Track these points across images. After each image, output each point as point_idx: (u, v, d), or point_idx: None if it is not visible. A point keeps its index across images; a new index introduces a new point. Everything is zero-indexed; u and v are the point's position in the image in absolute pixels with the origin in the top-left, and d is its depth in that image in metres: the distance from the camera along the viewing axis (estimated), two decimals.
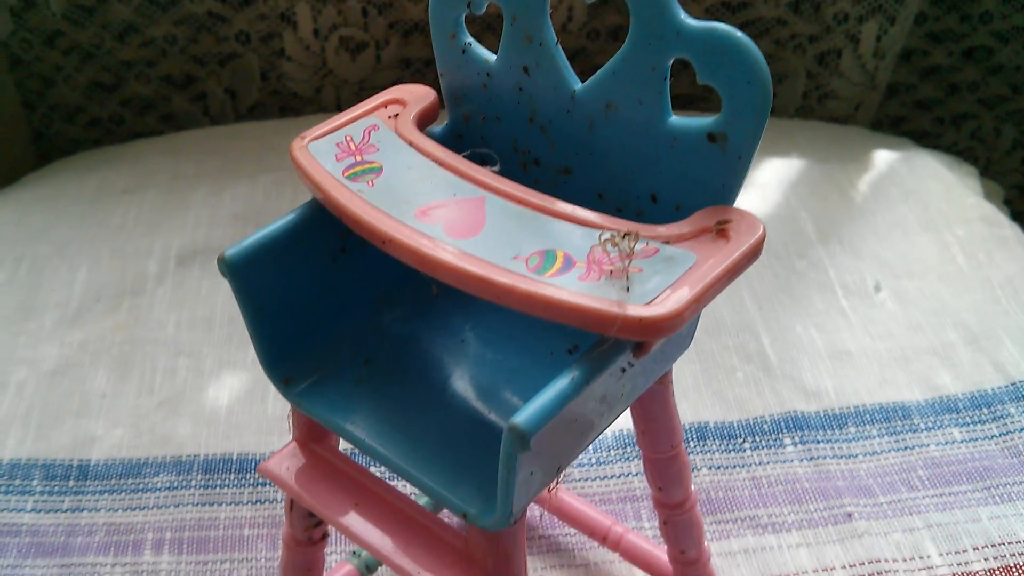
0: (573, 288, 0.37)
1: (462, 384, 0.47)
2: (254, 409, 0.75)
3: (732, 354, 0.78)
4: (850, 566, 0.64)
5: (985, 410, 0.74)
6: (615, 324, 0.36)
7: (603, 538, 0.64)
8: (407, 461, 0.43)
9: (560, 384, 0.36)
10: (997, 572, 0.64)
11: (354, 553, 0.62)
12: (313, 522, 0.52)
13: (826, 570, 0.64)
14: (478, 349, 0.49)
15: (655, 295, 0.37)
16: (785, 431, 0.73)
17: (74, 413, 0.74)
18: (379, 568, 0.63)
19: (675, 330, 0.37)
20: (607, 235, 0.39)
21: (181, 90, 1.10)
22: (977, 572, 0.64)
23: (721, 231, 0.40)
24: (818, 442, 0.72)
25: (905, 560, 0.64)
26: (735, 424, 0.74)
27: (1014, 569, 0.64)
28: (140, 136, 1.11)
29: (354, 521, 0.45)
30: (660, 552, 0.62)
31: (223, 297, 0.83)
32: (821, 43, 1.09)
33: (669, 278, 0.38)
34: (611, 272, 0.38)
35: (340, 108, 1.13)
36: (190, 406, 0.75)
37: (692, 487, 0.54)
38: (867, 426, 0.73)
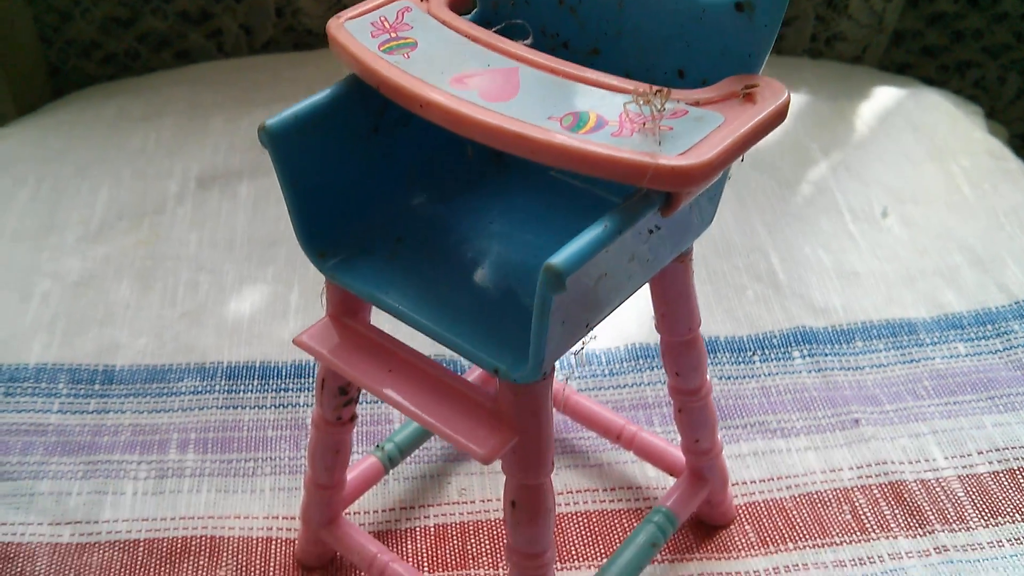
0: (606, 142, 0.39)
1: (491, 259, 0.49)
2: (275, 322, 0.77)
3: (742, 274, 0.80)
4: (857, 467, 0.66)
5: (989, 327, 0.76)
6: (647, 173, 0.37)
7: (617, 437, 0.66)
8: (440, 324, 0.45)
9: (594, 231, 0.38)
10: (1001, 475, 0.66)
11: (377, 447, 0.64)
12: (343, 401, 0.53)
13: (834, 471, 0.66)
14: (506, 229, 0.51)
15: (686, 148, 0.38)
16: (793, 344, 0.75)
17: (98, 322, 0.76)
18: (401, 461, 0.64)
19: (705, 180, 0.38)
20: (639, 91, 0.40)
21: (196, 26, 1.11)
22: (982, 474, 0.66)
23: (748, 95, 0.42)
24: (826, 355, 0.74)
25: (911, 462, 0.66)
26: (744, 338, 0.75)
27: (1018, 472, 0.66)
28: (155, 71, 1.12)
29: (387, 385, 0.47)
30: (673, 449, 0.63)
31: (243, 218, 0.84)
32: None
33: (699, 134, 0.39)
34: (643, 126, 0.39)
35: None
36: (212, 318, 0.77)
37: (708, 376, 0.56)
38: (874, 340, 0.75)
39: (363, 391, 0.56)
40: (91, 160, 0.90)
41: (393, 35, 0.47)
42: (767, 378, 0.73)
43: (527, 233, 0.50)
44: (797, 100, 0.99)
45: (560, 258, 0.37)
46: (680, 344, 0.54)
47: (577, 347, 0.45)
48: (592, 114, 0.41)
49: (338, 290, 0.50)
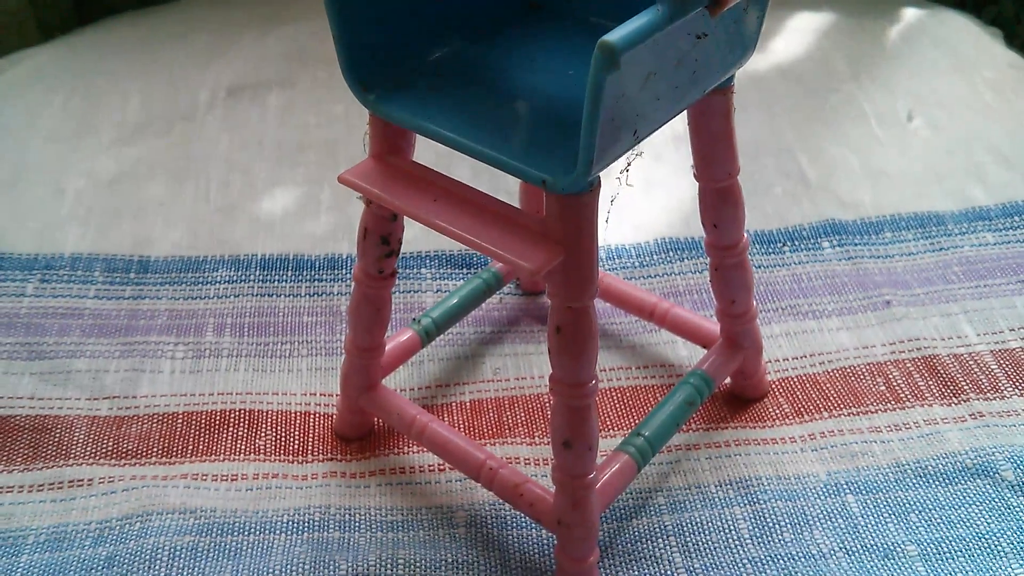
0: None
1: (533, 89, 0.49)
2: (307, 220, 0.77)
3: (771, 172, 0.80)
4: (890, 344, 0.67)
5: (1017, 218, 0.76)
6: None
7: (650, 314, 0.66)
8: (486, 144, 0.45)
9: (647, 14, 0.38)
10: None
11: (415, 320, 0.64)
12: (385, 251, 0.54)
13: (866, 347, 0.67)
14: (548, 64, 0.51)
15: None
16: (823, 236, 0.75)
17: (132, 216, 0.77)
18: (437, 336, 0.65)
19: None
20: None
21: None
22: (1014, 349, 0.66)
23: None
24: (855, 244, 0.74)
25: (944, 339, 0.67)
26: (774, 232, 0.76)
27: None
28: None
29: (434, 212, 0.47)
30: (706, 322, 0.64)
31: (273, 125, 0.85)
32: None
33: None
34: None
35: None
36: (245, 214, 0.77)
37: (746, 233, 0.57)
38: (902, 231, 0.75)
39: (398, 262, 0.57)
40: (122, 72, 0.91)
41: None
42: (797, 266, 0.73)
43: (568, 68, 0.51)
44: (821, 18, 1.00)
45: (616, 35, 0.37)
46: (718, 191, 0.54)
47: (623, 161, 0.46)
48: None
49: (381, 127, 0.50)
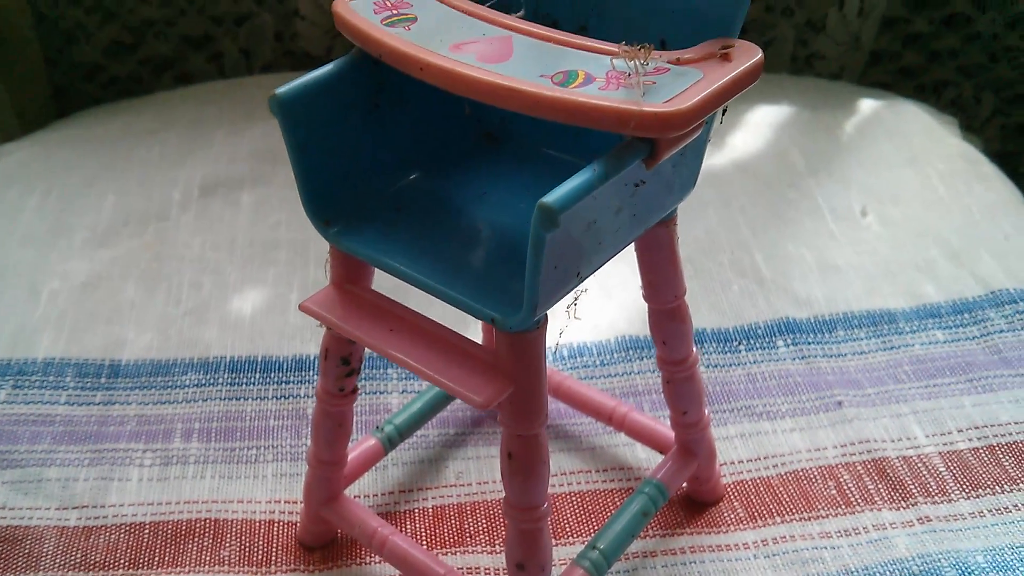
0: (594, 95, 0.42)
1: (486, 223, 0.52)
2: (276, 319, 0.79)
3: (727, 270, 0.83)
4: (841, 445, 0.68)
5: (966, 315, 0.78)
6: (632, 120, 0.40)
7: (608, 418, 0.68)
8: (439, 280, 0.47)
9: (584, 174, 0.41)
10: (981, 451, 0.68)
11: (377, 428, 0.66)
12: (345, 371, 0.56)
13: (818, 449, 0.68)
14: (500, 198, 0.53)
15: (668, 98, 0.41)
16: (778, 334, 0.77)
17: (105, 319, 0.78)
18: (400, 443, 0.66)
19: (685, 126, 0.41)
20: (624, 46, 0.43)
21: (198, 49, 1.14)
22: (962, 450, 0.68)
23: (724, 54, 0.45)
24: (809, 343, 0.77)
25: (893, 441, 0.69)
26: (730, 330, 0.78)
27: (997, 448, 0.68)
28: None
29: (389, 342, 0.49)
30: (662, 427, 0.66)
31: (244, 223, 0.87)
32: (808, 7, 1.14)
33: (680, 87, 0.42)
34: (629, 76, 0.42)
35: None
36: (216, 315, 0.79)
37: (694, 347, 0.59)
38: (855, 329, 0.78)
39: (364, 363, 0.58)
40: (97, 171, 0.93)
41: (394, 12, 0.50)
42: (752, 366, 0.75)
43: (520, 202, 0.53)
44: (779, 112, 1.03)
45: (553, 196, 0.39)
46: (666, 312, 0.56)
47: (570, 299, 0.48)
48: (580, 72, 0.44)
49: (341, 258, 0.52)
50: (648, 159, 0.43)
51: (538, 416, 0.48)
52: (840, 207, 0.89)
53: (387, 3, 0.51)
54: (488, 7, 0.50)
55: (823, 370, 0.74)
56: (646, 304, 0.57)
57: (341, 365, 0.55)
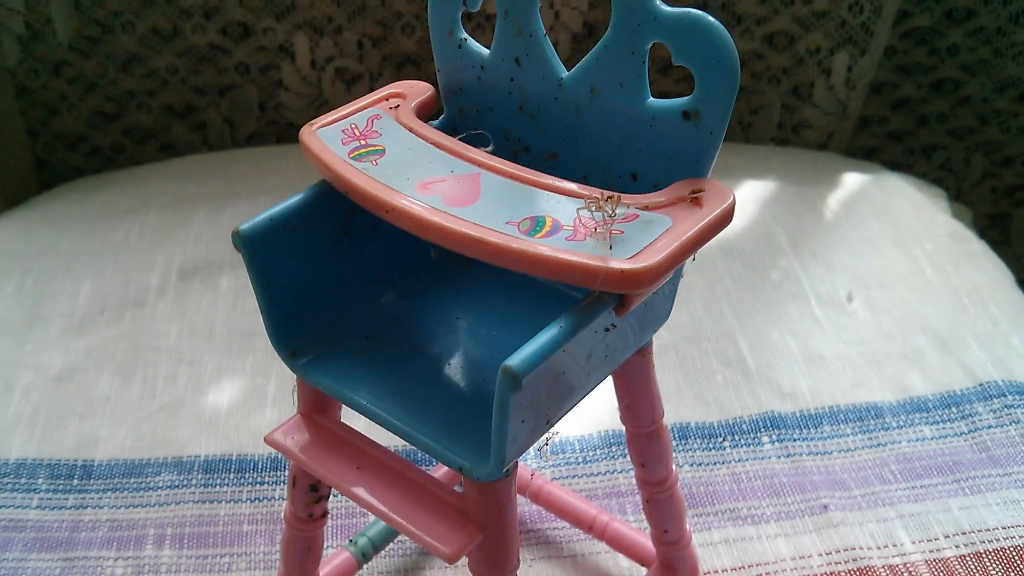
0: (560, 247, 0.41)
1: (457, 355, 0.51)
2: (252, 413, 0.78)
3: (712, 359, 0.82)
4: (826, 553, 0.67)
5: (954, 409, 0.77)
6: (599, 276, 0.39)
7: (589, 527, 0.66)
8: (407, 422, 0.46)
9: (550, 332, 0.40)
10: (968, 558, 0.67)
11: (351, 541, 0.64)
12: (314, 498, 0.54)
13: (803, 558, 0.67)
14: (472, 325, 0.52)
15: (635, 251, 0.40)
16: (763, 430, 0.76)
17: (78, 416, 0.77)
18: (375, 556, 0.65)
19: (654, 283, 0.40)
20: (592, 197, 0.42)
21: (181, 119, 1.14)
22: (948, 558, 0.67)
23: (695, 199, 0.44)
24: (794, 440, 0.75)
25: (879, 548, 0.67)
26: (715, 424, 0.77)
27: (984, 555, 0.67)
28: (140, 164, 1.14)
29: (356, 483, 0.48)
30: (644, 539, 0.64)
31: (223, 309, 0.86)
32: (795, 75, 1.14)
33: (648, 237, 0.41)
34: (595, 230, 0.41)
35: None
36: (191, 410, 0.78)
37: (673, 466, 0.57)
38: (841, 425, 0.76)
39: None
40: (76, 253, 0.92)
41: (362, 142, 0.49)
42: (737, 464, 0.74)
43: (492, 328, 0.52)
44: (764, 187, 1.02)
45: (516, 360, 0.38)
46: (644, 435, 0.55)
47: (541, 442, 0.47)
48: (548, 218, 0.43)
49: (309, 388, 0.51)
50: (618, 307, 0.42)
51: (508, 563, 0.47)
52: (825, 291, 0.88)
53: (355, 132, 0.50)
54: (458, 139, 0.49)
55: (809, 469, 0.73)
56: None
57: (309, 492, 0.54)
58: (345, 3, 1.06)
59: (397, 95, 0.53)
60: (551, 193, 0.45)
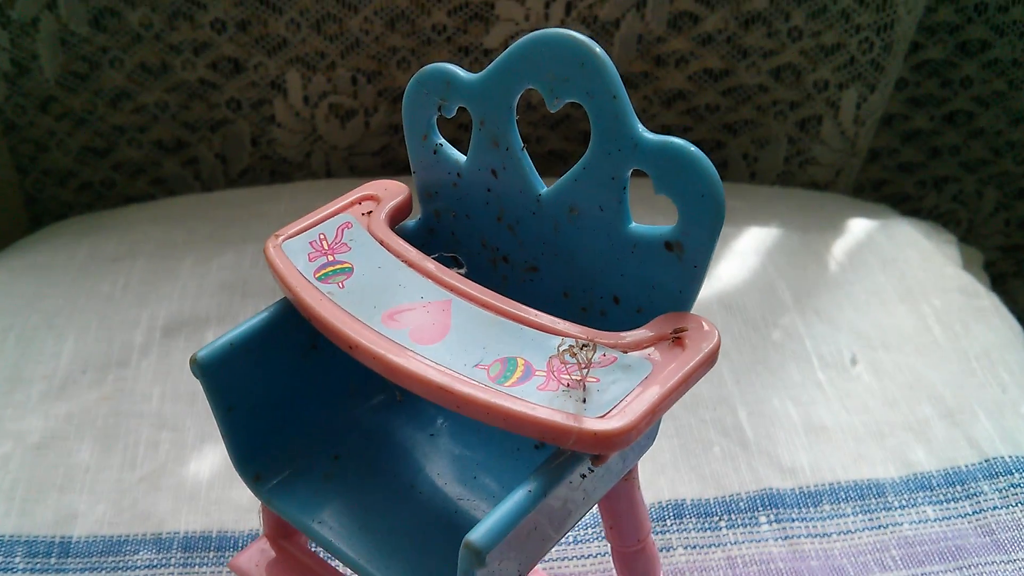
0: (532, 399, 0.38)
1: (430, 480, 0.48)
2: (234, 485, 0.75)
3: (709, 428, 0.79)
4: None
5: (959, 487, 0.74)
6: (571, 437, 0.37)
7: None
8: (372, 564, 0.44)
9: (516, 498, 0.37)
10: None
11: None
12: None
13: None
14: (447, 444, 0.50)
15: (610, 407, 0.38)
16: (760, 509, 0.74)
17: (58, 488, 0.75)
18: None
19: (629, 443, 0.38)
20: (566, 345, 0.40)
21: (172, 155, 1.12)
22: None
23: (677, 339, 0.41)
24: (793, 520, 0.73)
25: None
26: (711, 501, 0.74)
27: None
28: (131, 199, 1.12)
29: None
30: None
31: None
32: (802, 109, 1.10)
33: (625, 388, 0.39)
34: (568, 384, 0.39)
35: (329, 173, 1.14)
36: (171, 480, 0.76)
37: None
38: (841, 504, 0.74)
39: None
40: (60, 308, 0.90)
41: (330, 258, 0.47)
42: (733, 547, 0.71)
43: (467, 448, 0.50)
44: (767, 235, 0.99)
45: (479, 534, 0.36)
46: (630, 554, 0.53)
47: None
48: (520, 361, 0.41)
49: (274, 513, 0.49)
50: (594, 459, 0.40)
51: None
52: (828, 353, 0.85)
53: (324, 245, 0.48)
54: (433, 258, 0.46)
55: (807, 553, 0.71)
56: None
57: None
58: (338, 39, 1.04)
59: (370, 198, 0.51)
60: (525, 328, 0.42)
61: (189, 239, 0.98)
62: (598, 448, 0.37)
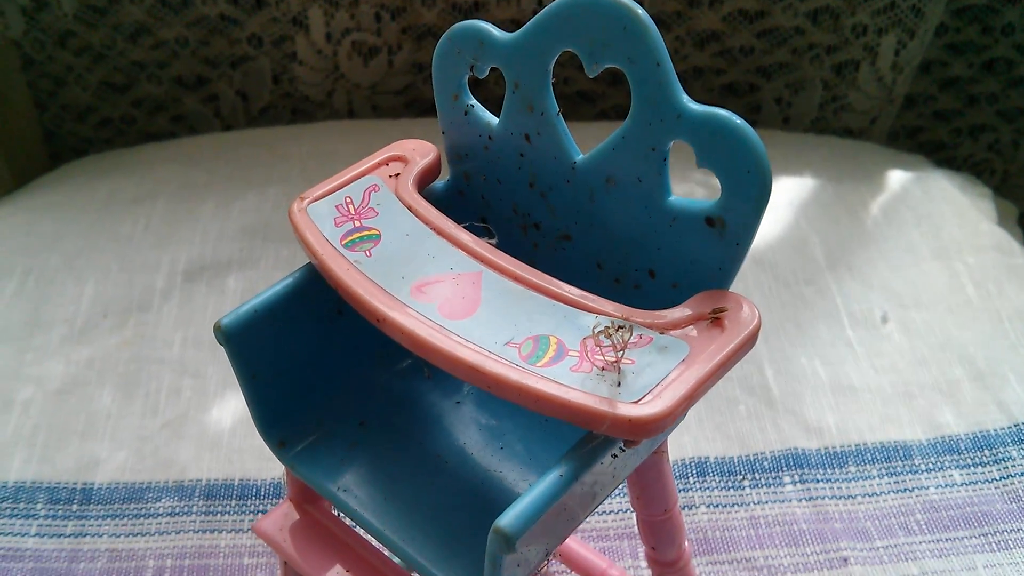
0: (564, 380, 0.37)
1: (455, 450, 0.47)
2: (256, 433, 0.75)
3: (736, 386, 0.78)
4: None
5: (987, 452, 0.74)
6: (604, 423, 0.36)
7: None
8: (397, 534, 0.43)
9: (546, 483, 0.36)
10: None
11: None
12: None
13: None
14: (473, 412, 0.49)
15: (646, 392, 0.37)
16: (785, 469, 0.73)
17: (79, 434, 0.75)
18: None
19: (664, 429, 0.36)
20: (601, 326, 0.38)
21: (192, 92, 1.10)
22: None
23: (716, 320, 0.40)
24: (817, 481, 0.72)
25: None
26: (735, 460, 0.74)
27: None
28: (151, 136, 1.11)
29: None
30: None
31: None
32: (839, 54, 1.07)
33: (661, 372, 0.37)
34: (602, 367, 0.38)
35: (352, 112, 1.12)
36: (194, 428, 0.76)
37: (685, 544, 0.55)
38: (867, 466, 0.73)
39: None
40: (80, 249, 0.89)
41: (357, 223, 0.46)
42: (756, 507, 0.71)
43: (493, 416, 0.49)
44: (801, 186, 0.97)
45: (508, 519, 0.35)
46: (656, 522, 0.52)
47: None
48: (553, 340, 0.39)
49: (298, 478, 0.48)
50: (627, 441, 0.39)
51: None
52: (859, 311, 0.84)
53: (349, 210, 0.46)
54: (463, 227, 0.45)
55: (831, 515, 0.70)
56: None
57: None
58: None
59: (398, 159, 0.49)
60: (557, 303, 0.41)
61: (210, 180, 0.97)
62: (632, 434, 0.36)
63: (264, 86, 1.09)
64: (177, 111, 1.11)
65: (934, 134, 1.21)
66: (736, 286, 0.80)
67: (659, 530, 0.53)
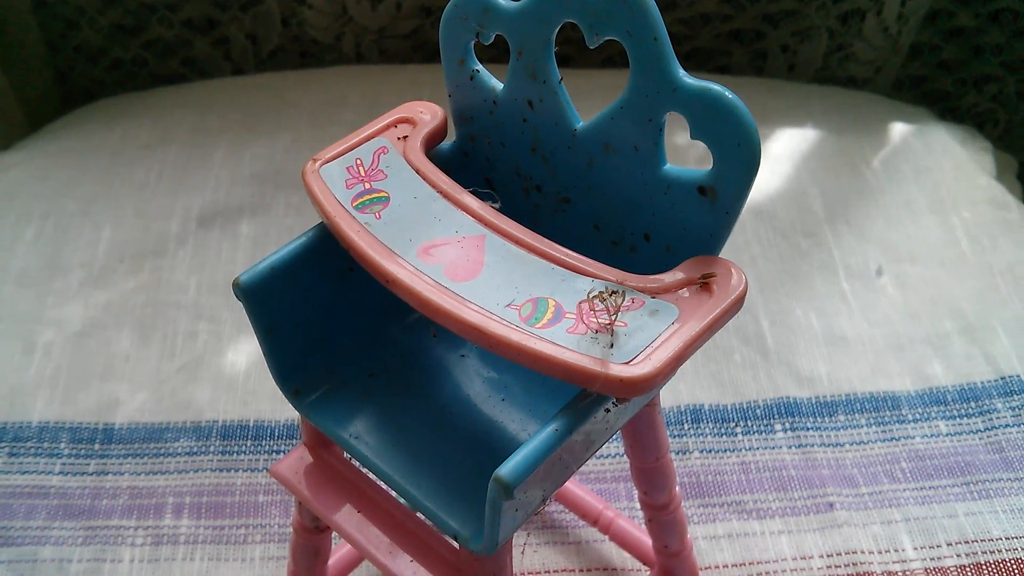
0: (561, 341, 0.40)
1: (460, 400, 0.50)
2: (269, 376, 0.78)
3: (731, 335, 0.81)
4: (827, 555, 0.68)
5: (973, 403, 0.76)
6: (597, 381, 0.38)
7: (594, 521, 0.67)
8: (405, 479, 0.46)
9: (542, 436, 0.39)
10: (967, 568, 0.67)
11: None
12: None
13: (804, 558, 0.68)
14: (476, 365, 0.52)
15: (636, 353, 0.39)
16: (776, 417, 0.76)
17: (99, 376, 0.78)
18: None
19: (653, 388, 0.39)
20: (596, 291, 0.41)
21: (203, 34, 1.11)
22: (948, 568, 0.67)
23: (705, 284, 0.42)
24: (807, 429, 0.75)
25: (880, 552, 0.68)
26: (729, 407, 0.77)
27: (984, 566, 0.67)
28: (162, 79, 1.12)
29: (354, 527, 0.49)
30: (647, 538, 0.65)
31: (242, 260, 0.86)
32: (845, 3, 1.07)
33: (651, 334, 0.40)
34: (597, 329, 0.40)
35: (360, 56, 1.13)
36: (209, 371, 0.79)
37: (676, 489, 0.58)
38: (856, 415, 0.76)
39: None
40: (96, 194, 0.91)
41: (367, 186, 0.48)
42: (748, 453, 0.74)
43: (495, 370, 0.52)
44: (802, 137, 0.98)
45: (507, 469, 0.38)
46: (648, 469, 0.55)
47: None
48: (551, 302, 0.42)
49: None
50: (619, 399, 0.41)
51: None
52: (855, 263, 0.86)
53: (360, 172, 0.48)
54: (469, 192, 0.47)
55: (819, 462, 0.73)
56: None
57: (314, 519, 0.55)
58: None
59: (406, 120, 0.51)
60: (556, 267, 0.43)
61: (221, 125, 0.99)
62: (623, 393, 0.39)
63: (273, 29, 1.10)
64: (187, 54, 1.12)
65: (939, 84, 1.22)
66: (735, 237, 0.83)
67: (651, 476, 0.56)
